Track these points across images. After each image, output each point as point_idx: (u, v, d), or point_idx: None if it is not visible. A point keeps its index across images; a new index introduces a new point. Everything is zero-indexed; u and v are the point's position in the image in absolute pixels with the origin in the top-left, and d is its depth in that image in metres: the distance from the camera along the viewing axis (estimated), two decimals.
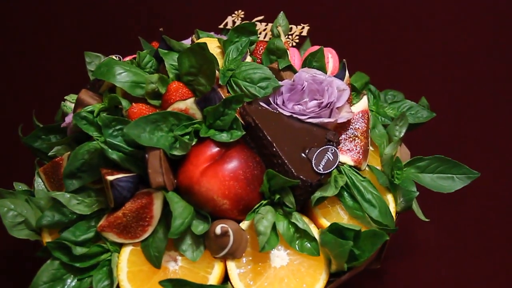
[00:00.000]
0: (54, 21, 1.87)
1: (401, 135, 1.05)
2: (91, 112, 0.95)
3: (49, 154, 1.04)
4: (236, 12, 1.18)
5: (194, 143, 0.89)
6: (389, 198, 0.98)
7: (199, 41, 1.04)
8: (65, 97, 1.10)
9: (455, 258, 1.23)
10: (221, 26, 1.19)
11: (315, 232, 0.91)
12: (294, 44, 1.12)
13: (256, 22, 1.16)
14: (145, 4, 1.86)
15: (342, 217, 0.95)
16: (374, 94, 1.12)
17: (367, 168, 0.99)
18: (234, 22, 1.18)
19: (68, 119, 1.03)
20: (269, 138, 0.90)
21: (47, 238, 0.97)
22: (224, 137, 0.89)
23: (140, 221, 0.90)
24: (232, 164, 0.88)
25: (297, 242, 0.90)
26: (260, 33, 1.15)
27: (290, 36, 1.12)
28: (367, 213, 0.92)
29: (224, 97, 0.90)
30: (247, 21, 1.13)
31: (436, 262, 1.22)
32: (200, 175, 0.88)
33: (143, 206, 0.89)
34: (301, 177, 0.88)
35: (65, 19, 1.87)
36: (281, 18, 1.10)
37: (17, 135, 1.10)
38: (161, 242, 0.89)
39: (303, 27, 1.12)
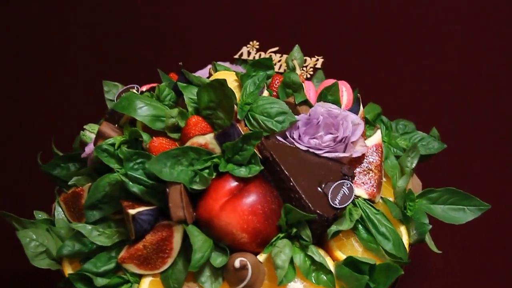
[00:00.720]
0: (71, 49, 1.89)
1: (413, 166, 1.07)
2: (112, 144, 0.97)
3: (69, 183, 1.07)
4: (251, 42, 1.21)
5: (213, 177, 0.91)
6: (402, 230, 1.00)
7: (216, 74, 1.06)
8: (84, 126, 1.12)
9: (466, 283, 1.25)
10: (236, 56, 1.21)
11: (330, 264, 0.93)
12: (309, 76, 1.14)
13: (271, 54, 1.18)
14: (161, 33, 1.88)
15: (357, 249, 0.97)
16: (386, 125, 1.14)
17: (380, 200, 1.01)
18: (249, 53, 1.20)
19: (88, 149, 1.05)
20: (286, 172, 0.92)
21: (67, 268, 0.99)
22: (242, 171, 0.91)
23: (160, 253, 0.92)
24: (251, 199, 0.90)
25: (313, 274, 0.92)
26: (275, 64, 1.17)
27: (304, 68, 1.15)
28: (381, 246, 0.95)
29: (242, 132, 0.93)
30: (265, 57, 1.15)
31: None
32: (219, 209, 0.90)
33: (164, 238, 0.91)
34: (318, 211, 0.90)
35: (83, 47, 1.89)
36: (296, 51, 1.13)
37: (35, 161, 1.12)
38: (181, 273, 0.91)
39: (317, 59, 1.14)
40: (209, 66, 1.19)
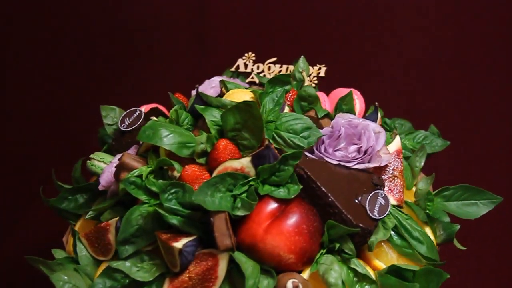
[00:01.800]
0: (57, 71, 1.81)
1: (421, 165, 1.10)
2: (139, 176, 0.94)
3: (86, 217, 1.03)
4: (246, 54, 1.20)
5: (256, 201, 0.90)
6: (428, 231, 1.03)
7: (231, 92, 1.05)
8: (91, 156, 1.08)
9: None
10: (233, 69, 1.20)
11: (371, 274, 0.95)
12: (313, 85, 1.14)
13: (270, 64, 1.18)
14: (152, 50, 1.83)
15: (392, 256, 0.99)
16: (390, 127, 1.17)
17: (404, 205, 1.03)
18: (245, 65, 1.19)
19: (104, 181, 1.02)
20: (323, 189, 0.92)
21: None
22: (282, 193, 0.91)
23: (205, 282, 0.90)
24: (295, 219, 0.90)
25: (357, 286, 0.93)
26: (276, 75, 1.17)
27: (308, 78, 1.15)
28: (417, 250, 0.97)
29: (277, 154, 0.92)
30: (266, 67, 1.15)
31: None
32: (264, 232, 0.89)
33: (209, 268, 0.90)
34: (361, 225, 0.91)
35: (73, 69, 1.82)
36: (302, 62, 1.13)
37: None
38: None
39: (319, 68, 1.15)
40: (207, 82, 1.18)
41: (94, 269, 1.00)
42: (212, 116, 0.98)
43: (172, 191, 0.90)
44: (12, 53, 1.84)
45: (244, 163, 0.91)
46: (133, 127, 1.08)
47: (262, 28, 1.73)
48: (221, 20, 1.78)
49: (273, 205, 0.91)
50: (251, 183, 0.91)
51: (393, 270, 0.93)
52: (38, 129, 1.69)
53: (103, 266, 1.00)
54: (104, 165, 1.06)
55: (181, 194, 0.91)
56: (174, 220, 0.89)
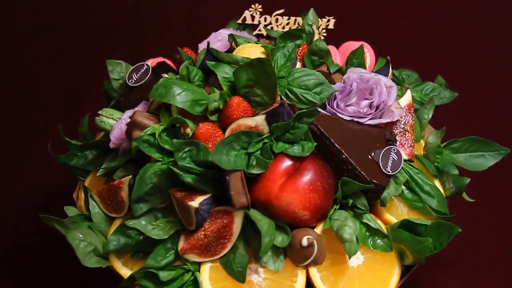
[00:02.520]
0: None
1: (429, 117, 1.11)
2: (152, 134, 0.94)
3: (98, 174, 1.04)
4: (253, 6, 1.18)
5: (272, 159, 0.90)
6: (437, 184, 1.04)
7: (241, 47, 1.03)
8: (99, 112, 1.07)
9: None
10: (240, 21, 1.18)
11: (383, 228, 0.96)
12: (322, 37, 1.13)
13: (278, 16, 1.16)
14: (159, 9, 1.79)
15: (402, 209, 1.00)
16: (399, 79, 1.16)
17: (414, 159, 1.04)
18: (252, 17, 1.17)
19: (115, 138, 1.02)
20: (337, 145, 0.92)
21: (116, 263, 0.97)
22: (296, 150, 0.91)
23: (221, 239, 0.91)
24: (310, 177, 0.90)
25: (369, 240, 0.95)
26: (283, 28, 1.15)
27: (317, 30, 1.13)
28: (427, 203, 0.98)
29: (291, 111, 0.92)
30: (274, 20, 1.14)
31: None
32: (279, 190, 0.90)
33: (224, 225, 0.91)
34: (374, 181, 0.92)
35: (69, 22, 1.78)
36: (312, 14, 1.11)
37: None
38: (244, 257, 0.92)
39: (328, 20, 1.13)
40: (213, 34, 1.16)
41: (107, 226, 1.01)
42: (224, 73, 0.97)
43: (186, 149, 0.90)
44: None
45: (258, 121, 0.91)
46: (141, 82, 1.07)
47: None
48: None
49: (287, 163, 0.91)
50: (265, 140, 0.91)
51: (405, 225, 0.94)
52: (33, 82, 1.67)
53: (116, 223, 1.00)
54: (113, 122, 1.05)
55: (195, 152, 0.91)
56: (188, 179, 0.90)
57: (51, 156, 1.09)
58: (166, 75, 0.98)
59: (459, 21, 1.67)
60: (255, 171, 0.89)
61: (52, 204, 1.19)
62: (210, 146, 0.92)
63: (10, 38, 1.76)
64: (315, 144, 0.91)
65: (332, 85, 0.98)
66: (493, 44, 1.63)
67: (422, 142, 1.10)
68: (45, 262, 1.28)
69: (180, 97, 0.93)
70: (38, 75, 1.68)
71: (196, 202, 0.88)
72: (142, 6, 1.80)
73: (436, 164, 1.06)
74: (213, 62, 0.99)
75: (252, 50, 1.01)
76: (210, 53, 1.00)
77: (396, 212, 0.99)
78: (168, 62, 1.16)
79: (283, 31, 1.11)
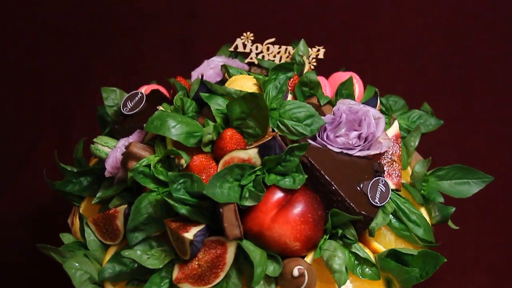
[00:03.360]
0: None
1: (416, 145, 1.14)
2: (148, 165, 0.96)
3: (93, 202, 1.06)
4: (244, 34, 1.20)
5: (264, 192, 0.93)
6: (423, 212, 1.07)
7: (234, 79, 1.06)
8: (94, 140, 1.09)
9: None
10: (232, 49, 1.21)
11: (371, 257, 0.99)
12: (312, 67, 1.16)
13: (269, 45, 1.19)
14: (151, 28, 1.81)
15: (389, 237, 1.03)
16: (386, 107, 1.19)
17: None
18: (244, 45, 1.20)
19: (110, 167, 1.04)
20: (327, 177, 0.95)
21: None
22: (288, 182, 0.94)
23: (214, 268, 0.94)
24: (301, 209, 0.93)
25: (358, 269, 0.98)
26: (274, 56, 1.18)
27: (307, 60, 1.16)
28: (414, 232, 1.01)
29: (283, 144, 0.95)
30: (265, 48, 1.17)
31: None
32: (270, 221, 0.92)
33: (218, 255, 0.93)
34: (363, 212, 0.95)
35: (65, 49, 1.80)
36: (302, 45, 1.14)
37: None
38: (236, 286, 0.94)
39: (318, 50, 1.16)
40: (206, 62, 1.19)
41: (103, 253, 1.03)
42: (217, 105, 1.00)
43: (181, 181, 0.93)
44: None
45: (251, 154, 0.94)
46: (135, 111, 1.10)
47: (257, 7, 1.73)
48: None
49: (279, 195, 0.94)
50: (258, 172, 0.94)
51: (392, 254, 0.98)
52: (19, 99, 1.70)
53: (111, 250, 1.03)
54: (109, 150, 1.07)
55: (189, 184, 0.93)
56: (183, 210, 0.92)
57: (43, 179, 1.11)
58: (161, 108, 1.01)
59: (445, 48, 1.71)
60: (248, 203, 0.92)
61: (45, 221, 1.21)
62: (204, 178, 0.95)
63: None
64: (306, 176, 0.94)
65: (322, 117, 1.01)
66: (479, 70, 1.66)
67: (409, 169, 1.13)
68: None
69: (175, 129, 0.96)
70: (26, 94, 1.70)
71: (190, 234, 0.90)
72: (135, 24, 1.82)
73: (422, 191, 1.09)
74: (207, 94, 1.01)
75: (244, 82, 1.03)
76: (204, 84, 1.02)
77: (383, 241, 1.02)
78: (161, 88, 1.18)
79: (274, 63, 1.14)
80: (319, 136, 1.02)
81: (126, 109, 1.10)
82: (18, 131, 1.63)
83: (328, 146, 1.00)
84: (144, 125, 0.97)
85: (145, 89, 1.18)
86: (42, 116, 1.65)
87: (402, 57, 1.68)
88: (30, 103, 1.68)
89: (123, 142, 1.06)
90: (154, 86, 1.19)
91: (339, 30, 1.71)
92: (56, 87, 1.70)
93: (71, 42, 1.79)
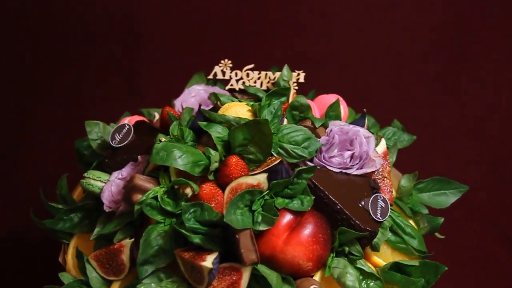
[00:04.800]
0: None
1: (393, 161, 1.19)
2: (155, 197, 0.96)
3: (92, 238, 1.04)
4: (222, 61, 1.22)
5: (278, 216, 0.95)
6: (413, 225, 1.12)
7: (227, 106, 1.07)
8: (85, 175, 1.08)
9: None
10: (210, 77, 1.22)
11: (375, 271, 1.03)
12: (295, 91, 1.19)
13: (248, 71, 1.21)
14: (126, 58, 1.80)
15: (386, 251, 1.07)
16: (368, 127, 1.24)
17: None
18: (223, 72, 1.22)
19: (108, 202, 1.03)
20: (331, 197, 0.99)
21: None
22: (296, 205, 0.96)
23: None
24: (312, 229, 0.96)
25: (363, 283, 1.01)
26: (255, 82, 1.21)
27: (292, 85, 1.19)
28: (410, 244, 1.06)
29: (289, 168, 0.97)
30: (246, 74, 1.19)
31: None
32: (283, 244, 0.94)
33: (233, 282, 0.94)
34: (368, 228, 0.98)
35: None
36: (286, 70, 1.17)
37: None
38: None
39: (298, 74, 1.20)
40: (187, 90, 1.20)
41: None
42: (217, 132, 1.01)
43: (191, 210, 0.93)
44: None
45: (260, 180, 0.95)
46: (124, 143, 1.09)
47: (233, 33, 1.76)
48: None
49: (289, 217, 0.96)
50: (266, 197, 0.95)
51: (395, 267, 1.02)
52: None
53: (114, 286, 1.01)
54: (102, 184, 1.06)
55: (199, 213, 0.94)
56: (197, 239, 0.92)
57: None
58: (164, 139, 1.00)
59: (410, 64, 1.80)
60: (261, 227, 0.93)
61: None
62: (213, 205, 0.95)
63: None
64: (313, 197, 0.97)
65: (318, 139, 1.04)
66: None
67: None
68: None
69: (181, 160, 0.96)
70: None
71: (209, 262, 0.91)
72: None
73: (408, 205, 1.14)
74: (205, 123, 1.02)
75: (238, 109, 1.05)
76: (201, 114, 1.03)
77: (381, 255, 1.06)
78: (144, 119, 1.18)
79: (260, 89, 1.16)
80: (316, 157, 1.05)
81: (115, 142, 1.10)
82: None
83: (327, 166, 1.03)
84: (147, 156, 0.98)
85: (128, 120, 1.17)
86: None
87: (368, 76, 1.76)
88: None
89: (116, 175, 1.05)
90: (136, 117, 1.18)
91: (309, 52, 1.76)
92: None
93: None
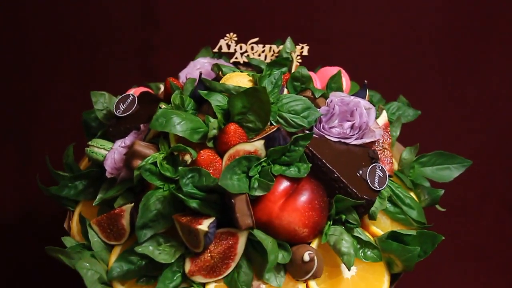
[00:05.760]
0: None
1: (397, 135, 1.20)
2: (154, 163, 0.98)
3: (95, 203, 1.06)
4: (228, 35, 1.23)
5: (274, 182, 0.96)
6: (413, 196, 1.13)
7: (228, 76, 1.09)
8: (89, 143, 1.10)
9: None
10: (216, 50, 1.24)
11: (372, 240, 1.03)
12: (298, 64, 1.20)
13: (253, 45, 1.22)
14: (134, 32, 1.83)
15: (385, 221, 1.08)
16: (372, 101, 1.25)
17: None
18: (228, 45, 1.23)
19: (110, 168, 1.05)
20: (328, 165, 0.99)
21: None
22: (293, 172, 0.97)
23: (225, 259, 0.96)
24: (308, 196, 0.97)
25: (360, 252, 1.02)
26: (259, 55, 1.22)
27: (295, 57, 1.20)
28: (408, 215, 1.07)
29: (287, 136, 0.98)
30: (249, 48, 1.20)
31: None
32: (279, 210, 0.96)
33: (230, 246, 0.95)
34: (365, 197, 0.99)
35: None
36: (289, 42, 1.18)
37: None
38: (248, 275, 0.97)
39: (302, 47, 1.20)
40: (192, 63, 1.21)
41: (107, 254, 1.03)
42: (217, 101, 1.02)
43: (189, 175, 0.95)
44: None
45: (258, 146, 0.97)
46: (128, 113, 1.11)
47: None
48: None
49: (285, 184, 0.97)
50: (263, 164, 0.97)
51: (393, 236, 1.02)
52: None
53: (116, 250, 1.03)
54: (105, 152, 1.08)
55: (197, 178, 0.95)
56: (194, 204, 0.94)
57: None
58: (163, 106, 1.02)
59: (415, 44, 1.80)
60: (257, 193, 0.94)
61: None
62: (211, 171, 0.97)
63: None
64: (310, 165, 0.97)
65: (318, 109, 1.05)
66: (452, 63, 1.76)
67: (396, 159, 1.19)
68: None
69: (180, 126, 0.98)
70: None
71: (204, 226, 0.92)
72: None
73: (409, 177, 1.14)
74: (206, 91, 1.03)
75: (239, 79, 1.06)
76: (202, 82, 1.05)
77: (380, 225, 1.07)
78: (150, 91, 1.20)
79: (263, 61, 1.17)
80: (315, 127, 1.06)
81: (119, 112, 1.12)
82: None
83: (326, 136, 1.04)
84: (148, 123, 0.99)
85: (134, 92, 1.19)
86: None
87: (374, 52, 1.76)
88: None
89: (120, 143, 1.07)
90: (141, 89, 1.20)
91: (317, 28, 1.77)
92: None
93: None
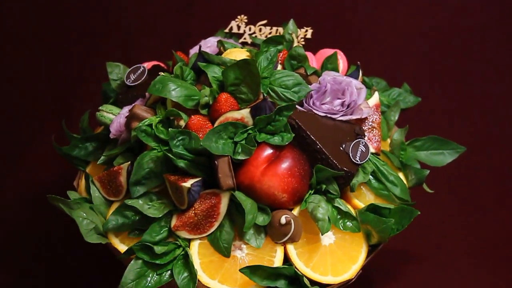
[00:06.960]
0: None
1: (396, 119, 1.24)
2: (149, 125, 1.06)
3: (99, 162, 1.15)
4: (238, 17, 1.31)
5: (255, 147, 1.03)
6: (401, 176, 1.17)
7: (229, 51, 1.16)
8: (100, 108, 1.19)
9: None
10: (227, 31, 1.31)
11: (352, 212, 1.09)
12: (301, 46, 1.26)
13: (261, 27, 1.29)
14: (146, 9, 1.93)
15: (369, 196, 1.13)
16: (369, 84, 1.30)
17: (381, 153, 1.17)
18: (238, 27, 1.30)
19: (114, 130, 1.13)
20: (312, 137, 1.05)
21: (114, 240, 1.08)
22: (276, 140, 1.03)
23: (209, 218, 1.03)
24: (288, 163, 1.03)
25: (340, 222, 1.07)
26: (266, 37, 1.28)
27: (297, 39, 1.27)
28: (391, 191, 1.11)
29: (272, 106, 1.05)
30: (257, 30, 1.27)
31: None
32: (261, 174, 1.02)
33: (213, 205, 1.03)
34: (345, 168, 1.05)
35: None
36: (292, 24, 1.25)
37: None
38: (229, 234, 1.03)
39: (306, 30, 1.27)
40: (203, 41, 1.29)
41: (106, 208, 1.12)
42: (214, 72, 1.10)
43: (180, 138, 1.02)
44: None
45: (244, 114, 1.04)
46: (138, 82, 1.20)
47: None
48: None
49: (268, 151, 1.04)
50: (250, 131, 1.03)
51: (371, 208, 1.07)
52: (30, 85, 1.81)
53: (114, 205, 1.12)
54: (113, 116, 1.17)
55: (187, 141, 1.03)
56: (181, 164, 1.02)
57: (53, 148, 1.21)
58: (162, 73, 1.10)
59: (421, 35, 1.84)
60: (240, 157, 1.01)
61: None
62: (200, 135, 1.04)
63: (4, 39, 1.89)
64: (293, 135, 1.04)
65: (309, 86, 1.11)
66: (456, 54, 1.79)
67: (389, 141, 1.23)
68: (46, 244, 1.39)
69: (175, 92, 1.06)
70: (32, 76, 1.83)
71: (188, 183, 1.00)
72: (133, 15, 1.94)
73: (401, 159, 1.19)
74: (204, 63, 1.11)
75: (238, 54, 1.14)
76: (202, 55, 1.13)
77: (364, 199, 1.12)
78: (162, 65, 1.28)
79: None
80: (305, 102, 1.12)
81: (129, 81, 1.20)
82: (23, 113, 1.73)
83: (314, 111, 1.10)
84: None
85: (147, 65, 1.27)
86: (48, 99, 1.75)
87: (384, 41, 1.81)
88: (37, 87, 1.80)
89: (127, 109, 1.16)
90: (155, 63, 1.29)
91: (326, 14, 1.83)
92: (60, 72, 1.82)
93: (72, 29, 1.92)
